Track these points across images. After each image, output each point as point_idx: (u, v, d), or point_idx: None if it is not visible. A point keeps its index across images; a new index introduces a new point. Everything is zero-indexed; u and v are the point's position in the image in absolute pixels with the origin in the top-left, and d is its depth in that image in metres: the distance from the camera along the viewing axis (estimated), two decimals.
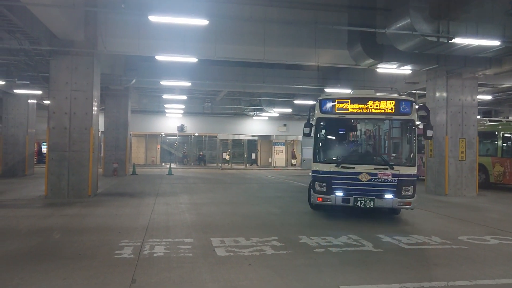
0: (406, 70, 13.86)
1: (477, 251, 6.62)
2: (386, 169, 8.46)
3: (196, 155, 37.23)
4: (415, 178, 8.60)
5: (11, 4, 9.13)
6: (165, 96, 24.60)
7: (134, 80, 18.23)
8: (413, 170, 8.56)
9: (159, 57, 13.44)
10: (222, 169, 30.95)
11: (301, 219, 9.14)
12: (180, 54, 13.03)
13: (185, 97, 25.23)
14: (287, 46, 12.75)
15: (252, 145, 37.34)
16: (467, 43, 10.64)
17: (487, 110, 27.07)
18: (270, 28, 12.32)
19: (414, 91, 20.85)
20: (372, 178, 8.44)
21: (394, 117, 8.76)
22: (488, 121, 18.32)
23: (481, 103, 20.83)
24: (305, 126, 9.28)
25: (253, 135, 35.40)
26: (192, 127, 33.15)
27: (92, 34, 11.80)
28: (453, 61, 12.68)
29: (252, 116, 32.64)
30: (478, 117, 18.66)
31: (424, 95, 18.79)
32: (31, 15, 9.82)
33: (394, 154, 9.53)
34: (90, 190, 11.88)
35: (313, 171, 8.98)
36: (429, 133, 8.60)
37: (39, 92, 18.35)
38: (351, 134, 10.03)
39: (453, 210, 10.91)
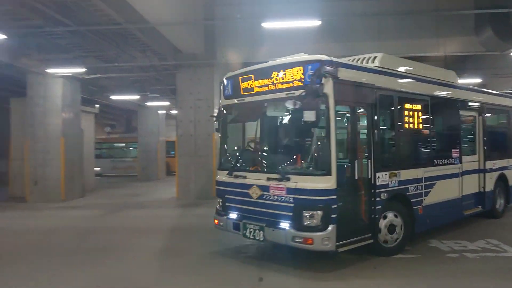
0: None
1: None
2: (280, 179, 5.31)
3: None
4: (331, 197, 5.00)
5: (143, 27, 10.21)
6: None
7: None
8: (323, 182, 5.01)
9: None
10: None
11: None
12: None
13: None
14: (404, 38, 12.04)
15: None
16: None
17: None
18: (384, 22, 11.76)
19: None
20: (264, 194, 5.52)
21: (298, 92, 5.16)
22: None
23: None
24: (215, 119, 6.83)
25: None
26: None
27: (210, 46, 12.60)
28: None
29: None
30: None
31: None
32: (159, 34, 10.84)
33: (296, 156, 5.71)
34: (214, 192, 12.64)
35: (216, 182, 6.75)
36: (307, 115, 4.83)
37: (167, 103, 20.25)
38: (253, 126, 7.02)
39: None
